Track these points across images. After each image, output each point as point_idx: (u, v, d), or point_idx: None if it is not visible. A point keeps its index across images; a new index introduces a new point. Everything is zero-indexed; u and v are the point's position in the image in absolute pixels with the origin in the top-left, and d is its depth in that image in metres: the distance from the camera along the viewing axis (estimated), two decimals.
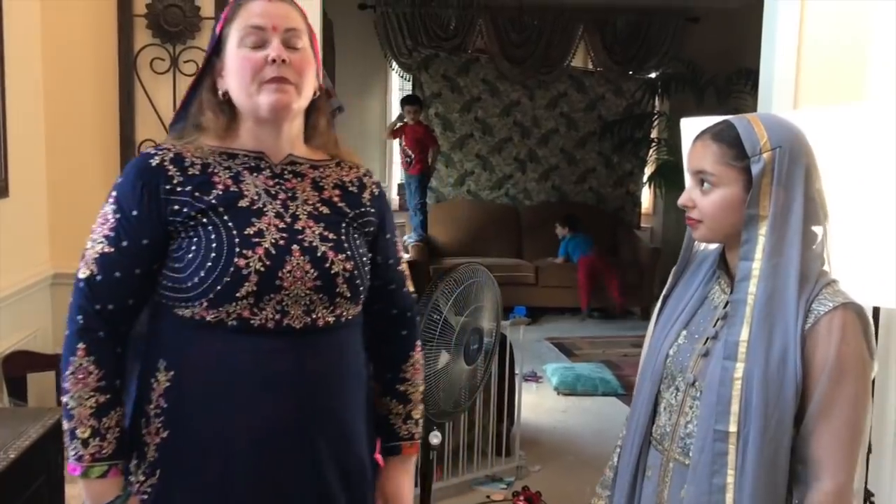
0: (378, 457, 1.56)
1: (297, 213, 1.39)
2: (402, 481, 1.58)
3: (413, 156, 6.67)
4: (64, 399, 1.33)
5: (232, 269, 1.30)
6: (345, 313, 1.40)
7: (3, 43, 2.37)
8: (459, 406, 2.53)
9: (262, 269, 1.31)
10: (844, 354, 1.32)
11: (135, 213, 1.34)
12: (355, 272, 1.40)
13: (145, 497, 1.35)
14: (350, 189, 1.48)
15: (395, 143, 7.09)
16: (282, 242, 1.34)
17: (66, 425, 1.34)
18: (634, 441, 1.52)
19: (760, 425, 1.32)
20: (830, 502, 1.32)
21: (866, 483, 2.30)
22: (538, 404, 4.68)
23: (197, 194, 1.35)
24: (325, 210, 1.42)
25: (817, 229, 1.40)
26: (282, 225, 1.36)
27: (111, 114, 2.69)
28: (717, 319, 1.45)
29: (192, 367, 1.34)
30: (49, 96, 2.67)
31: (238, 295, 1.30)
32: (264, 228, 1.34)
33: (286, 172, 1.42)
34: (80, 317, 1.33)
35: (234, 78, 1.37)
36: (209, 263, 1.30)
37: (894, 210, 1.92)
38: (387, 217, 1.54)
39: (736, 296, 1.39)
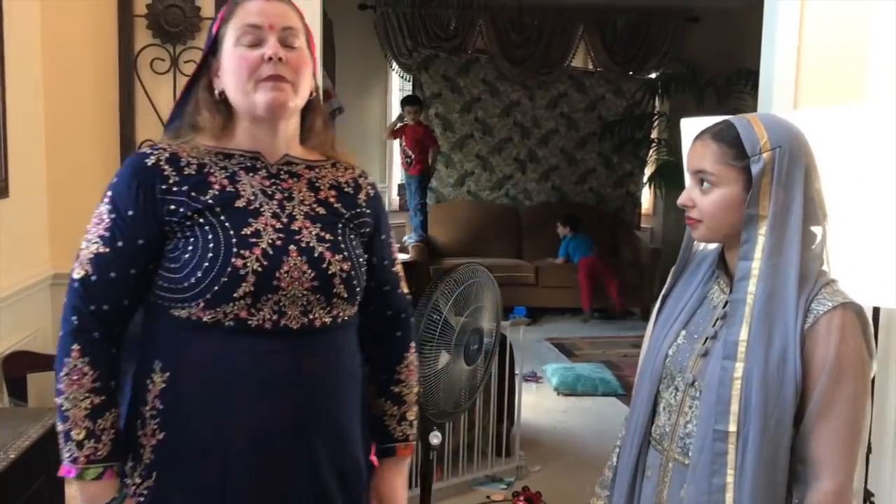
0: (373, 458, 1.56)
1: (294, 213, 1.39)
2: (397, 483, 1.57)
3: (413, 156, 6.68)
4: (58, 400, 1.32)
5: (229, 269, 1.29)
6: (341, 314, 1.40)
7: (4, 43, 2.37)
8: (459, 406, 2.53)
9: (259, 269, 1.30)
10: (844, 354, 1.32)
11: (130, 213, 1.33)
12: (352, 273, 1.39)
13: (142, 500, 1.34)
14: (346, 190, 1.47)
15: (396, 143, 7.09)
16: (279, 243, 1.34)
17: (60, 427, 1.33)
18: (634, 441, 1.52)
19: (760, 425, 1.32)
20: (830, 502, 1.32)
21: (866, 483, 2.30)
22: (538, 404, 4.68)
23: (193, 194, 1.34)
24: (321, 211, 1.42)
25: (816, 229, 1.40)
26: (278, 225, 1.36)
27: (111, 114, 2.69)
28: (717, 319, 1.45)
29: (188, 368, 1.33)
30: (49, 96, 2.67)
31: (235, 295, 1.29)
32: (261, 229, 1.34)
33: (282, 172, 1.42)
34: (74, 317, 1.32)
35: (230, 77, 1.37)
36: (206, 264, 1.29)
37: (894, 210, 1.92)
38: (382, 218, 1.54)
39: (735, 295, 1.39)
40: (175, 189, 1.34)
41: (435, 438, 2.36)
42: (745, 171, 1.37)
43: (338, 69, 5.94)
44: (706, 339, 1.44)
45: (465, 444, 3.54)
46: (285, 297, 1.32)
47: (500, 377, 3.63)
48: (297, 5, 1.45)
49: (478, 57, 7.41)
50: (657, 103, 7.60)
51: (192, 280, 1.29)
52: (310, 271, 1.34)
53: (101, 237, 1.33)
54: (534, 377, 5.14)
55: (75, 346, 1.31)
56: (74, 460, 1.32)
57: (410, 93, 7.17)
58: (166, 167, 1.35)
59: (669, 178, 6.77)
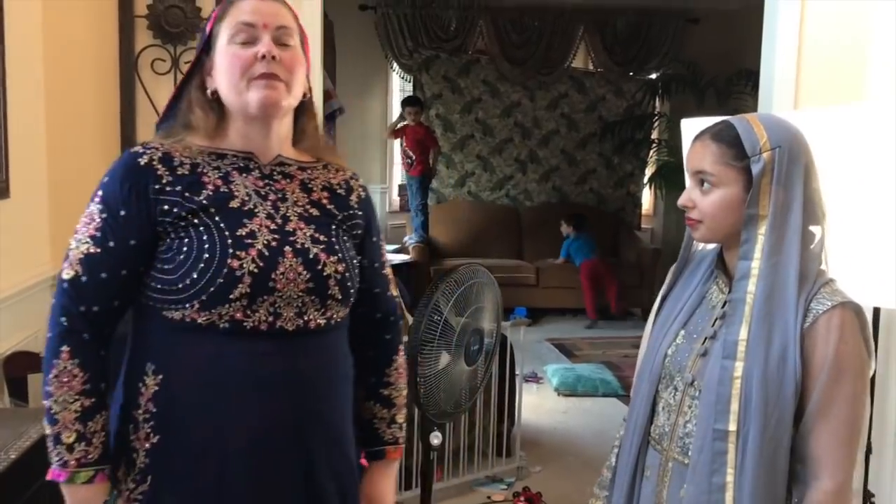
0: (363, 460, 1.55)
1: (288, 214, 1.38)
2: (386, 485, 1.57)
3: (414, 157, 6.68)
4: (47, 403, 1.30)
5: (225, 270, 1.28)
6: (335, 315, 1.39)
7: (5, 43, 2.37)
8: (460, 407, 2.53)
9: (255, 270, 1.29)
10: (843, 353, 1.32)
11: (122, 213, 1.31)
12: (346, 274, 1.39)
13: None
14: (338, 191, 1.47)
15: (396, 144, 7.09)
16: (274, 244, 1.33)
17: (49, 430, 1.31)
18: (633, 441, 1.52)
19: (760, 424, 1.32)
20: (830, 501, 1.32)
21: (866, 483, 2.30)
22: (539, 405, 4.68)
23: (187, 194, 1.33)
24: (314, 212, 1.41)
25: (815, 229, 1.40)
26: (273, 226, 1.35)
27: (112, 115, 2.69)
28: (716, 319, 1.45)
29: (182, 371, 1.31)
30: (50, 97, 2.68)
31: (232, 297, 1.28)
32: (256, 230, 1.33)
33: (275, 173, 1.41)
34: (63, 318, 1.30)
35: (223, 75, 1.36)
36: (202, 265, 1.28)
37: (894, 210, 1.92)
38: (373, 220, 1.53)
39: (735, 295, 1.39)
40: (168, 189, 1.32)
41: (435, 439, 2.36)
42: (745, 171, 1.37)
43: (338, 70, 5.94)
44: (705, 338, 1.44)
45: (465, 444, 3.54)
46: (281, 298, 1.32)
47: (500, 378, 3.63)
48: (295, 5, 1.45)
49: (478, 58, 7.42)
50: (657, 104, 7.60)
51: (187, 281, 1.28)
52: (305, 273, 1.34)
53: (92, 237, 1.31)
54: (534, 378, 5.14)
55: (65, 348, 1.29)
56: (64, 464, 1.30)
57: (411, 93, 7.17)
58: (159, 167, 1.34)
59: (670, 178, 6.77)
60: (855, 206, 1.95)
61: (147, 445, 1.33)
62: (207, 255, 1.29)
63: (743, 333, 1.36)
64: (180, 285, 1.29)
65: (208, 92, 1.39)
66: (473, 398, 2.59)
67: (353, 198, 1.49)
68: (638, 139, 7.45)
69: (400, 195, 7.63)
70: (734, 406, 1.35)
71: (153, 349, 1.34)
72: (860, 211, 1.95)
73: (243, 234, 1.32)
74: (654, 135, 7.61)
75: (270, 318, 1.31)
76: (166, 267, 1.30)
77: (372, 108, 7.44)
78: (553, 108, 7.58)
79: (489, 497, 3.52)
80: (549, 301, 6.87)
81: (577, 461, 3.86)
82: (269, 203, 1.37)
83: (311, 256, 1.35)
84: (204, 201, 1.33)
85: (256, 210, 1.35)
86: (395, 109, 7.33)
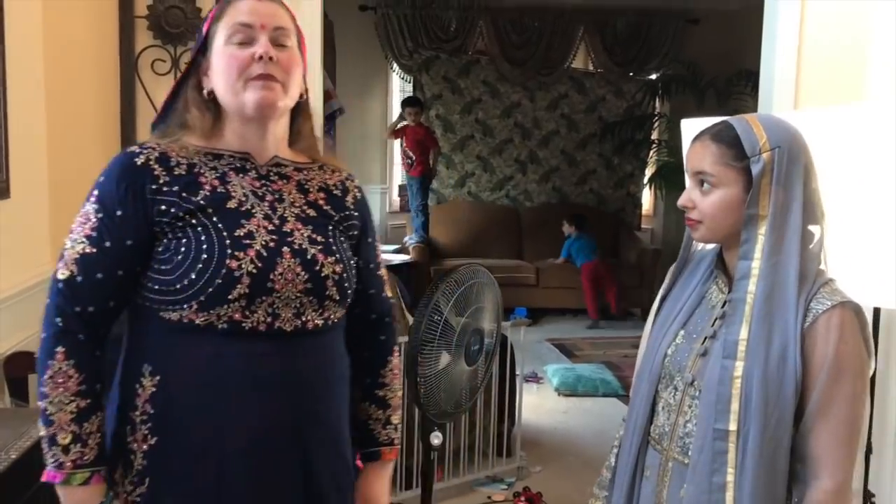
0: (358, 462, 1.55)
1: (285, 215, 1.37)
2: (381, 486, 1.57)
3: (414, 157, 6.68)
4: (42, 404, 1.29)
5: (224, 270, 1.27)
6: (332, 316, 1.39)
7: (5, 44, 2.37)
8: (460, 407, 2.53)
9: (254, 271, 1.29)
10: (843, 353, 1.32)
11: (119, 213, 1.30)
12: (344, 275, 1.39)
13: None
14: (334, 192, 1.47)
15: (397, 144, 7.09)
16: (272, 245, 1.33)
17: (44, 432, 1.29)
18: (633, 441, 1.52)
19: (760, 424, 1.32)
20: (830, 501, 1.32)
21: (867, 484, 2.30)
22: (539, 405, 4.69)
23: (184, 195, 1.32)
24: (311, 213, 1.41)
25: (814, 229, 1.40)
26: (271, 227, 1.35)
27: (112, 115, 2.69)
28: (715, 319, 1.45)
29: (180, 372, 1.31)
30: (50, 97, 2.68)
31: (230, 297, 1.28)
32: (254, 230, 1.33)
33: (272, 174, 1.41)
34: (58, 319, 1.29)
35: (220, 76, 1.35)
36: (200, 265, 1.28)
37: (894, 210, 1.92)
38: (368, 221, 1.53)
39: (735, 295, 1.39)
40: (165, 189, 1.32)
41: (436, 439, 2.36)
42: (745, 171, 1.38)
43: (338, 70, 5.95)
44: (705, 338, 1.45)
45: (465, 444, 3.54)
46: (279, 299, 1.31)
47: (500, 378, 3.63)
48: (295, 6, 1.44)
49: (478, 58, 7.42)
50: (657, 104, 7.60)
51: (185, 282, 1.27)
52: (303, 273, 1.34)
53: (88, 237, 1.30)
54: (534, 378, 5.14)
55: (60, 349, 1.28)
56: (60, 465, 1.29)
57: (411, 94, 7.17)
58: (156, 167, 1.33)
59: (670, 179, 6.78)
60: (855, 207, 1.95)
61: (145, 447, 1.32)
62: (206, 256, 1.28)
63: (743, 333, 1.36)
64: (178, 286, 1.28)
65: (205, 92, 1.39)
66: (474, 398, 2.59)
67: (350, 199, 1.49)
68: (638, 140, 7.46)
69: (400, 195, 7.63)
70: (734, 406, 1.35)
71: (150, 350, 1.33)
72: (860, 211, 1.95)
73: (241, 234, 1.32)
74: (654, 135, 7.62)
75: (269, 319, 1.31)
76: (164, 267, 1.30)
77: (372, 109, 7.44)
78: (553, 108, 7.58)
79: (489, 497, 3.52)
80: (549, 301, 6.87)
81: (577, 461, 3.86)
82: (266, 204, 1.37)
83: (309, 257, 1.35)
84: (201, 202, 1.32)
85: (254, 211, 1.35)
86: (395, 110, 7.33)
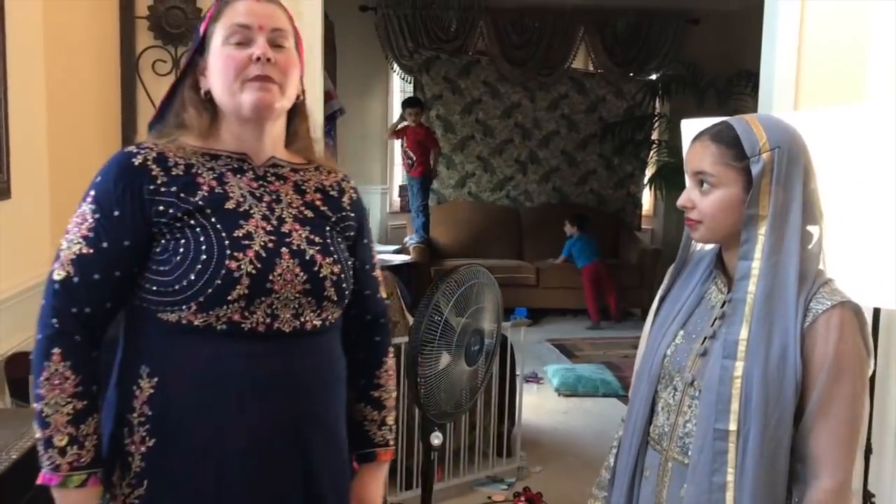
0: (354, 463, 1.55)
1: (283, 216, 1.37)
2: (376, 487, 1.57)
3: (415, 158, 6.68)
4: (37, 406, 1.28)
5: (223, 271, 1.27)
6: (330, 317, 1.39)
7: (6, 45, 2.37)
8: (460, 407, 2.53)
9: (253, 271, 1.29)
10: (842, 353, 1.32)
11: (116, 213, 1.30)
12: (342, 276, 1.39)
13: None
14: (331, 193, 1.47)
15: (397, 144, 7.09)
16: (271, 245, 1.32)
17: (39, 434, 1.28)
18: (632, 442, 1.52)
19: (761, 424, 1.32)
20: (830, 500, 1.33)
21: (867, 484, 2.30)
22: (539, 405, 4.69)
23: (182, 195, 1.31)
24: (309, 213, 1.41)
25: (813, 229, 1.40)
26: (269, 228, 1.34)
27: (113, 115, 2.70)
28: (715, 319, 1.45)
29: (178, 373, 1.30)
30: (51, 98, 2.68)
31: (230, 298, 1.27)
32: (252, 231, 1.32)
33: (269, 175, 1.41)
34: (55, 320, 1.28)
35: (217, 76, 1.35)
36: (199, 266, 1.27)
37: (894, 211, 1.92)
38: (364, 222, 1.53)
39: (735, 295, 1.39)
40: (163, 189, 1.31)
41: (436, 439, 2.36)
42: (745, 171, 1.38)
43: (339, 70, 5.95)
44: (705, 338, 1.45)
45: (466, 444, 3.54)
46: (278, 299, 1.31)
47: (501, 378, 3.63)
48: (295, 6, 1.44)
49: (479, 58, 7.42)
50: (658, 105, 7.60)
51: (184, 283, 1.27)
52: (302, 274, 1.33)
53: (85, 237, 1.29)
54: (535, 378, 5.14)
55: (56, 350, 1.28)
56: (56, 468, 1.28)
57: (411, 94, 7.18)
58: (154, 167, 1.32)
59: (670, 179, 6.77)
60: (855, 207, 1.95)
61: (143, 449, 1.31)
62: (205, 257, 1.28)
63: (743, 333, 1.36)
64: (177, 287, 1.27)
65: (202, 92, 1.39)
66: (474, 398, 2.59)
67: (346, 199, 1.49)
68: (638, 140, 7.46)
69: (400, 196, 7.63)
70: (734, 406, 1.35)
71: (147, 352, 1.32)
72: (860, 211, 1.95)
73: (240, 235, 1.31)
74: (655, 135, 7.62)
75: (268, 320, 1.31)
76: (162, 268, 1.29)
77: (372, 109, 7.44)
78: (553, 108, 7.58)
79: (490, 497, 3.52)
80: (549, 301, 6.87)
81: (577, 461, 3.86)
82: (264, 204, 1.37)
83: (307, 258, 1.35)
84: (200, 202, 1.32)
85: (252, 211, 1.35)
86: (396, 110, 7.33)
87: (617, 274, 6.84)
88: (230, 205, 1.34)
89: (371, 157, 7.39)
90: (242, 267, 1.29)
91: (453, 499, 3.48)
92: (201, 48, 1.39)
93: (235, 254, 1.29)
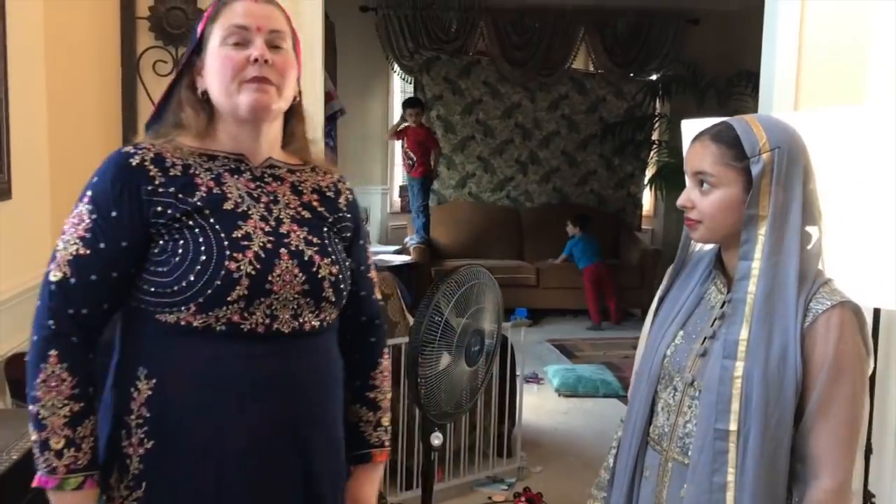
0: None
1: (281, 216, 1.37)
2: (371, 488, 1.57)
3: (415, 158, 6.68)
4: (33, 408, 1.27)
5: (223, 272, 1.27)
6: (327, 318, 1.39)
7: (7, 45, 2.37)
8: (461, 407, 2.53)
9: (253, 272, 1.29)
10: (842, 353, 1.33)
11: (114, 214, 1.29)
12: (340, 276, 1.39)
13: None
14: (327, 194, 1.47)
15: (398, 145, 7.09)
16: (269, 246, 1.32)
17: (35, 436, 1.28)
18: (632, 442, 1.52)
19: (761, 424, 1.32)
20: (830, 500, 1.33)
21: (867, 484, 2.30)
22: (539, 406, 4.69)
23: (181, 196, 1.31)
24: (306, 214, 1.41)
25: (812, 229, 1.41)
26: (267, 228, 1.34)
27: (114, 116, 2.70)
28: (715, 319, 1.45)
29: (177, 374, 1.29)
30: (52, 98, 2.68)
31: (229, 299, 1.27)
32: (251, 231, 1.32)
33: (266, 175, 1.41)
34: (51, 321, 1.28)
35: (214, 77, 1.34)
36: (198, 267, 1.27)
37: (894, 211, 1.92)
38: (360, 223, 1.53)
39: (735, 295, 1.39)
40: (161, 190, 1.31)
41: (436, 439, 2.36)
42: (745, 171, 1.38)
43: (339, 71, 5.95)
44: (704, 339, 1.45)
45: (466, 445, 3.54)
46: (277, 300, 1.31)
47: (501, 378, 3.63)
48: (296, 7, 1.44)
49: (479, 59, 7.42)
50: (658, 105, 7.60)
51: (183, 283, 1.26)
52: (301, 275, 1.33)
53: (82, 238, 1.29)
54: (535, 378, 5.14)
55: (53, 352, 1.27)
56: (53, 470, 1.27)
57: (412, 95, 7.18)
58: (151, 167, 1.32)
59: (670, 179, 6.77)
60: (855, 207, 1.95)
61: (141, 451, 1.30)
62: (204, 258, 1.28)
63: (743, 333, 1.36)
64: (176, 288, 1.27)
65: (198, 92, 1.38)
66: (474, 399, 2.59)
67: (342, 200, 1.49)
68: (638, 140, 7.46)
69: (401, 196, 7.63)
70: (735, 406, 1.35)
71: (145, 353, 1.32)
72: (860, 212, 1.95)
73: (239, 235, 1.31)
74: (655, 136, 7.62)
75: (267, 321, 1.31)
76: (160, 269, 1.29)
77: (373, 110, 7.45)
78: (553, 109, 7.58)
79: (490, 497, 3.52)
80: (549, 302, 6.87)
81: (577, 461, 3.86)
82: (261, 205, 1.37)
83: (306, 259, 1.35)
84: (198, 203, 1.32)
85: (250, 212, 1.35)
86: (396, 111, 7.34)
87: (617, 274, 6.84)
88: (228, 205, 1.34)
89: (372, 157, 7.39)
90: (242, 268, 1.28)
91: (453, 499, 3.48)
92: (198, 48, 1.38)
93: (235, 254, 1.29)
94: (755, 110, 2.91)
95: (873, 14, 2.58)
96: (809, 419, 1.34)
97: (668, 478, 1.46)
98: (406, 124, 6.73)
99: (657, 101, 7.52)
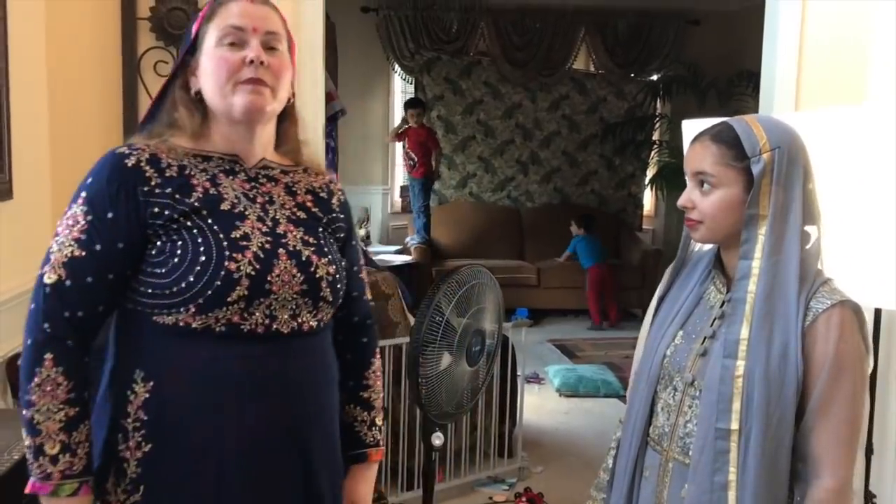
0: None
1: (277, 217, 1.37)
2: (366, 488, 1.57)
3: (416, 159, 6.69)
4: (27, 413, 1.25)
5: (223, 272, 1.26)
6: (324, 318, 1.39)
7: (8, 46, 2.38)
8: (462, 407, 2.53)
9: (252, 272, 1.28)
10: (843, 352, 1.33)
11: (110, 215, 1.28)
12: (337, 276, 1.39)
13: None
14: (321, 195, 1.47)
15: (399, 145, 7.10)
16: (268, 246, 1.32)
17: (29, 441, 1.26)
18: (632, 443, 1.52)
19: (762, 423, 1.32)
20: (831, 499, 1.33)
21: (868, 484, 2.30)
22: (540, 406, 4.69)
23: (178, 196, 1.30)
24: (301, 215, 1.41)
25: (811, 229, 1.41)
26: (265, 229, 1.34)
27: (115, 116, 2.70)
28: (714, 319, 1.45)
29: (175, 376, 1.28)
30: (53, 99, 2.68)
31: (230, 299, 1.26)
32: (249, 232, 1.32)
33: (260, 176, 1.40)
34: (46, 324, 1.26)
35: (209, 77, 1.34)
36: (198, 268, 1.26)
37: (894, 211, 1.92)
38: (352, 224, 1.53)
39: (735, 294, 1.39)
40: (158, 191, 1.30)
41: (437, 440, 2.36)
42: (745, 171, 1.38)
43: (340, 71, 5.95)
44: (704, 338, 1.45)
45: (467, 445, 3.54)
46: (276, 300, 1.31)
47: (502, 378, 3.63)
48: (297, 8, 1.44)
49: (480, 59, 7.42)
50: (658, 105, 7.60)
51: (182, 285, 1.26)
52: (299, 275, 1.33)
53: (77, 240, 1.27)
54: (536, 378, 5.14)
55: (48, 355, 1.25)
56: (48, 476, 1.25)
57: (412, 95, 7.18)
58: (147, 168, 1.31)
59: (671, 179, 6.78)
60: (855, 207, 1.95)
61: (139, 454, 1.29)
62: (204, 258, 1.27)
63: (744, 332, 1.36)
64: (175, 289, 1.26)
65: (192, 92, 1.38)
66: (475, 399, 2.60)
67: (335, 201, 1.49)
68: (639, 140, 7.46)
69: (402, 196, 7.64)
70: (736, 405, 1.35)
71: (142, 356, 1.30)
72: (860, 212, 1.95)
73: (237, 236, 1.31)
74: (656, 136, 7.62)
75: (267, 321, 1.31)
76: (158, 270, 1.27)
77: (374, 110, 7.45)
78: (554, 109, 7.59)
79: (491, 497, 3.52)
80: (550, 302, 6.87)
81: (578, 462, 3.86)
82: (257, 206, 1.37)
83: (303, 259, 1.35)
84: (195, 203, 1.31)
85: (247, 213, 1.35)
86: (397, 111, 7.34)
87: (618, 274, 6.84)
88: (225, 206, 1.33)
89: (372, 157, 7.39)
90: (242, 268, 1.28)
91: (454, 499, 3.48)
92: (193, 48, 1.38)
93: (234, 255, 1.28)
94: (756, 110, 2.91)
95: (874, 14, 2.58)
96: (810, 418, 1.34)
97: (669, 478, 1.46)
98: (407, 125, 6.73)
99: (658, 101, 7.52)
